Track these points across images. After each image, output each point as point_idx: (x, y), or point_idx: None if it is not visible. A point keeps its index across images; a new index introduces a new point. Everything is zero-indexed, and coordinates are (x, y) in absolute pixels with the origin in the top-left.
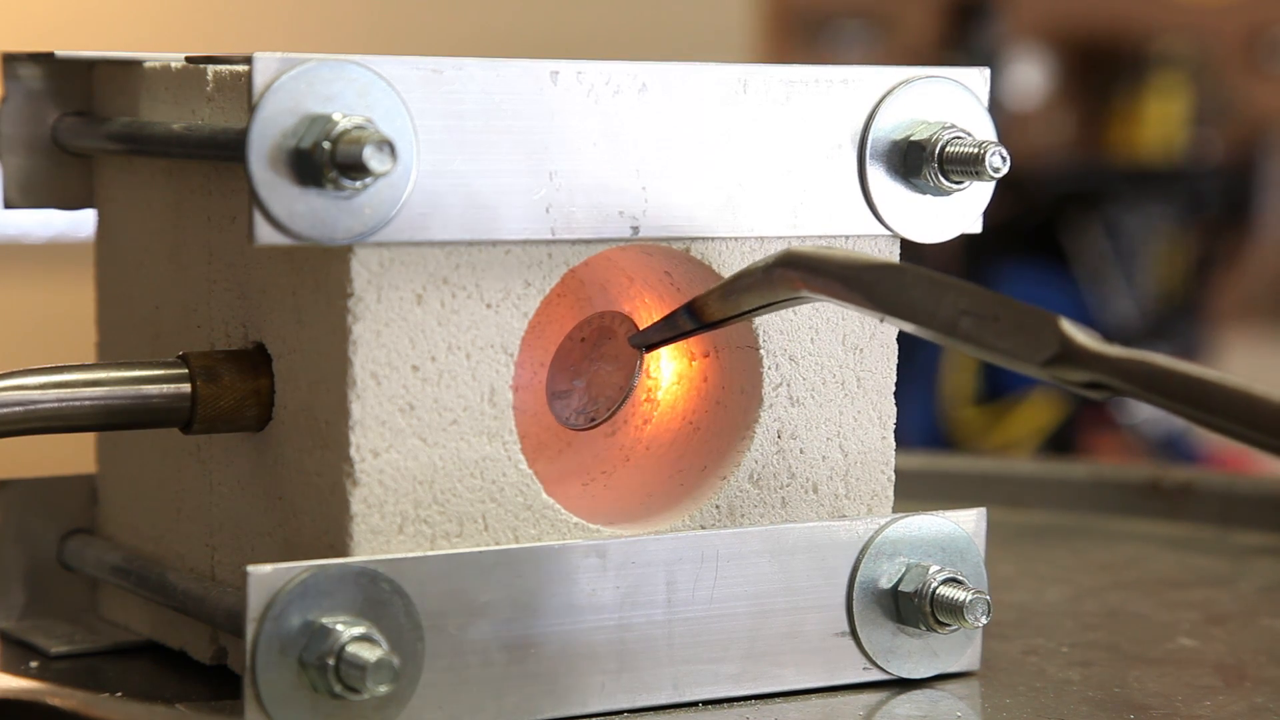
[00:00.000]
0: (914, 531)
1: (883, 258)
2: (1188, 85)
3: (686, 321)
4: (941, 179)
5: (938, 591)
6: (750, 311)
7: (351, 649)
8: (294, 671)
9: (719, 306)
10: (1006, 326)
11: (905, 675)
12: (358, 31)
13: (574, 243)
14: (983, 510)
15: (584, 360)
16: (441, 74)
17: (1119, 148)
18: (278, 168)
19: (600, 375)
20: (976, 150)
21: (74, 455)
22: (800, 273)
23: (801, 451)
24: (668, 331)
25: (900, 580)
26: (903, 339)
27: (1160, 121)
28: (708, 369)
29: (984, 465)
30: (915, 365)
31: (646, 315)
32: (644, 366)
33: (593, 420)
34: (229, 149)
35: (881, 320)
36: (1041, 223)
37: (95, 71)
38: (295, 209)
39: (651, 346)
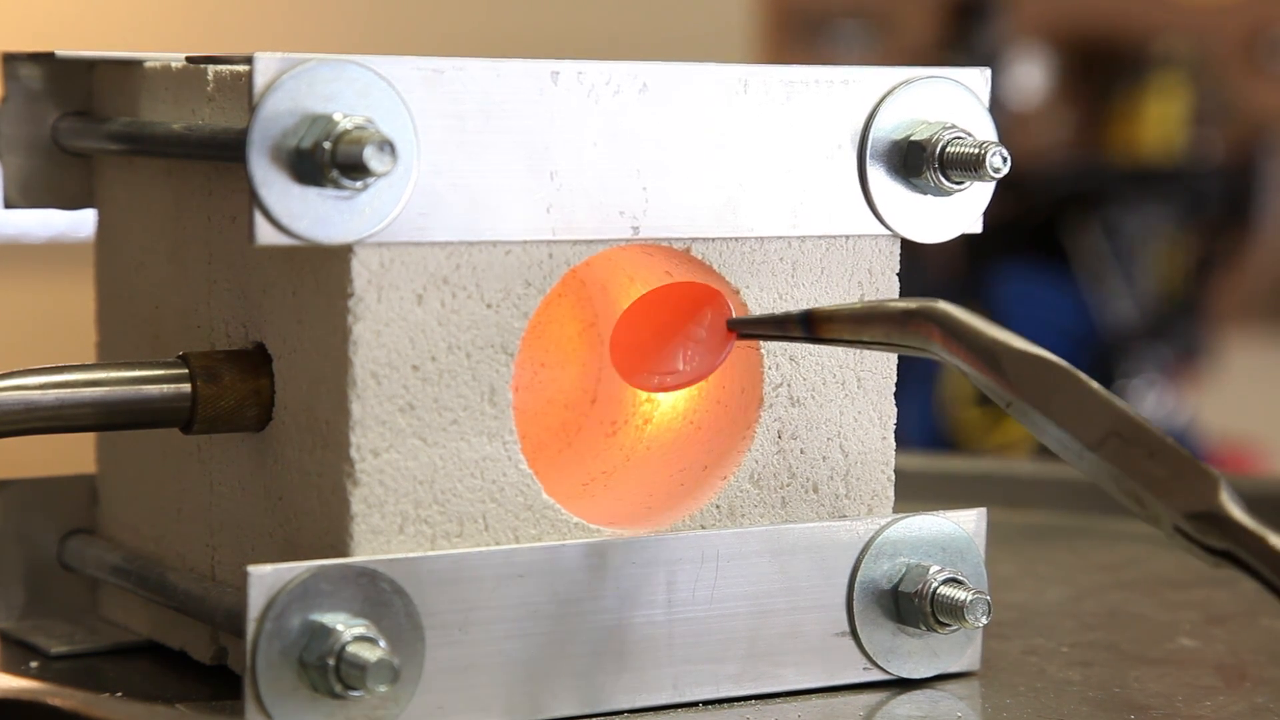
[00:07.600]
0: (914, 532)
1: (1034, 346)
2: (1188, 85)
3: (797, 329)
4: (942, 179)
5: (938, 591)
6: (870, 344)
7: (351, 649)
8: (294, 671)
9: (842, 329)
10: (1159, 463)
11: (905, 675)
12: (358, 31)
13: (574, 243)
14: (983, 510)
15: (671, 322)
16: (442, 74)
17: (1119, 148)
18: (278, 168)
19: (682, 343)
20: (977, 150)
21: (74, 455)
22: (940, 331)
23: (802, 451)
24: (772, 331)
25: (900, 580)
26: None
27: (1160, 121)
28: None
29: (984, 465)
30: (915, 365)
31: None
32: (730, 353)
33: (660, 385)
34: (229, 149)
35: (1007, 407)
36: (1041, 223)
37: (95, 71)
38: (295, 209)
39: (746, 337)
